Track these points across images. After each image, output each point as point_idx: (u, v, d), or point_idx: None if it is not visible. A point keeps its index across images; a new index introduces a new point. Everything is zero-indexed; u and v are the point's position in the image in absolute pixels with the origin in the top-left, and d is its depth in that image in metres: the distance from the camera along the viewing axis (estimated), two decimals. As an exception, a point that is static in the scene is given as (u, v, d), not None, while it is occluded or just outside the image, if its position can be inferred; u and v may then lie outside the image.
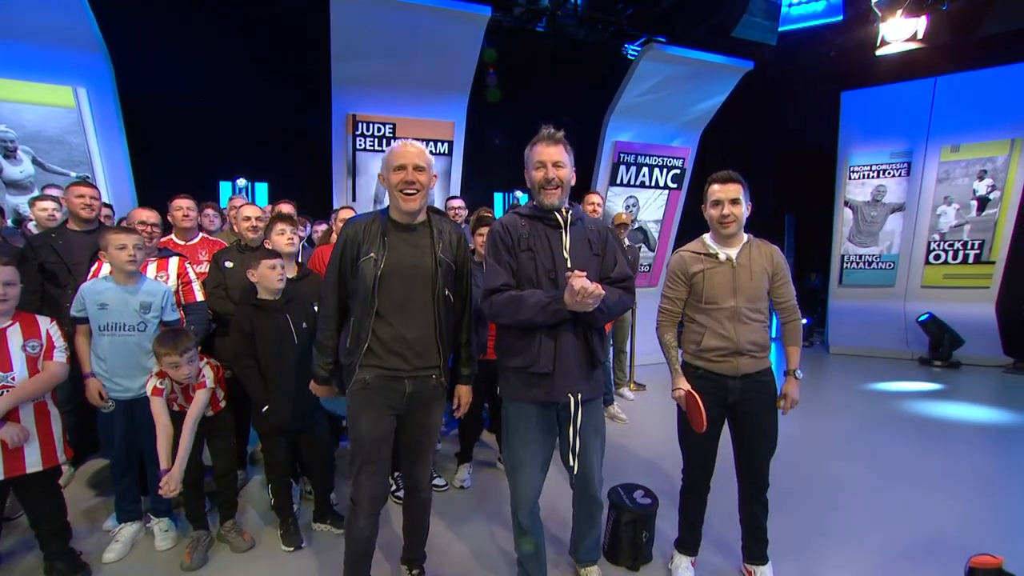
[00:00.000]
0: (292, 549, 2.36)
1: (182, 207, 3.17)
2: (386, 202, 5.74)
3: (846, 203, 7.02)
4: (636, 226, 6.55)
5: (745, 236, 2.05)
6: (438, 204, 5.25)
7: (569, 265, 1.84)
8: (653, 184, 6.37)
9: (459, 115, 5.43)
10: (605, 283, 1.86)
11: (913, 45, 5.74)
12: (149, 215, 2.63)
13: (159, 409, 2.20)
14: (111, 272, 2.31)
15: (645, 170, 6.26)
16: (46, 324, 2.09)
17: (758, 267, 1.99)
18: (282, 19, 4.82)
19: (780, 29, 5.63)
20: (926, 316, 6.31)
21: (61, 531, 2.18)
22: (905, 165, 6.71)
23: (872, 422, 4.34)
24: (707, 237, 2.08)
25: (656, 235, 6.66)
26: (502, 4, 6.06)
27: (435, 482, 3.04)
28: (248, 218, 2.81)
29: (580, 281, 1.69)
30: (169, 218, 3.23)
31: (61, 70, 4.00)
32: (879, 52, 5.84)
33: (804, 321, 7.35)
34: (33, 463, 2.01)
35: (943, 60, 6.22)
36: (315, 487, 2.57)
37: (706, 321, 2.01)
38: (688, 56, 5.44)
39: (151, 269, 2.52)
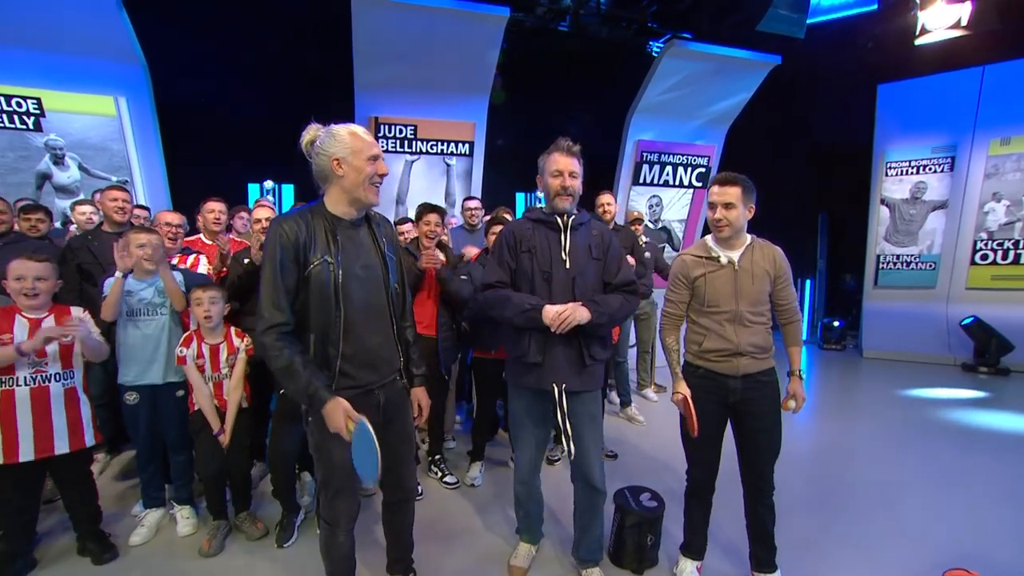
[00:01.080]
0: (277, 546, 2.42)
1: (214, 210, 3.32)
2: (410, 202, 5.76)
3: (882, 201, 6.71)
4: (660, 226, 6.46)
5: (748, 238, 2.03)
6: (457, 205, 5.32)
7: (567, 266, 1.97)
8: (677, 183, 6.27)
9: (480, 116, 5.47)
10: (608, 288, 2.02)
11: (957, 33, 5.45)
12: (173, 217, 2.78)
13: (193, 376, 2.41)
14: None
15: (669, 169, 6.17)
16: (78, 313, 2.24)
17: (760, 270, 1.97)
18: (307, 26, 4.99)
19: (810, 21, 5.42)
20: (971, 319, 5.96)
21: (92, 515, 2.33)
22: (948, 160, 6.36)
23: (906, 429, 4.15)
24: (710, 239, 2.06)
25: (681, 235, 6.54)
26: (524, 4, 6.06)
27: (446, 479, 3.08)
28: (259, 220, 2.92)
29: (550, 311, 1.85)
30: (200, 219, 3.39)
31: (104, 81, 4.26)
32: (918, 41, 5.57)
33: (836, 323, 7.15)
34: (61, 446, 2.15)
35: (992, 47, 5.86)
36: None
37: (708, 324, 2.00)
38: (712, 52, 5.32)
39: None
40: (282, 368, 1.51)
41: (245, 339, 2.53)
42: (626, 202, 6.16)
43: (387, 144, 5.20)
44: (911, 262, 6.60)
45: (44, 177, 4.32)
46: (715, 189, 1.96)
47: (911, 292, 6.59)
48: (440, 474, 3.10)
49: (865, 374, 6.13)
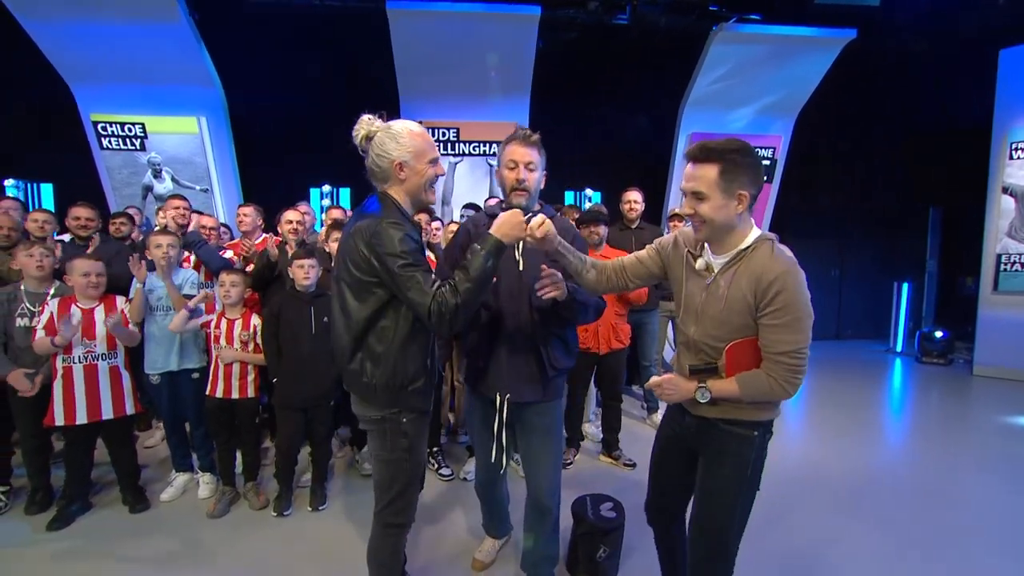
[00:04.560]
0: (276, 514, 2.68)
1: (240, 214, 3.66)
2: (454, 203, 5.92)
3: (1005, 189, 5.59)
4: (719, 223, 6.00)
5: (750, 238, 1.38)
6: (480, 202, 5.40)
7: (521, 268, 1.81)
8: (738, 176, 5.78)
9: (522, 115, 5.51)
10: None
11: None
12: (208, 220, 3.21)
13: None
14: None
15: (728, 161, 5.71)
16: (121, 303, 2.69)
17: (737, 292, 1.36)
18: (357, 38, 5.37)
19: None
20: None
21: (132, 471, 2.78)
22: (1103, 137, 5.15)
23: (1014, 467, 3.41)
24: None
25: (743, 232, 6.02)
26: (575, 0, 5.96)
27: (441, 471, 3.17)
28: (290, 221, 3.23)
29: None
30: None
31: (189, 104, 4.98)
32: (1047, -5, 4.57)
33: (939, 334, 6.08)
34: (107, 412, 2.60)
35: None
36: (316, 459, 2.86)
37: (678, 343, 1.61)
38: (767, 33, 4.85)
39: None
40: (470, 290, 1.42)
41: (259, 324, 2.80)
42: (680, 199, 5.81)
43: (431, 148, 5.43)
44: (1046, 263, 5.44)
45: (147, 189, 5.15)
46: (685, 171, 1.43)
47: (1046, 300, 5.43)
48: (436, 466, 3.20)
49: (975, 395, 5.18)
